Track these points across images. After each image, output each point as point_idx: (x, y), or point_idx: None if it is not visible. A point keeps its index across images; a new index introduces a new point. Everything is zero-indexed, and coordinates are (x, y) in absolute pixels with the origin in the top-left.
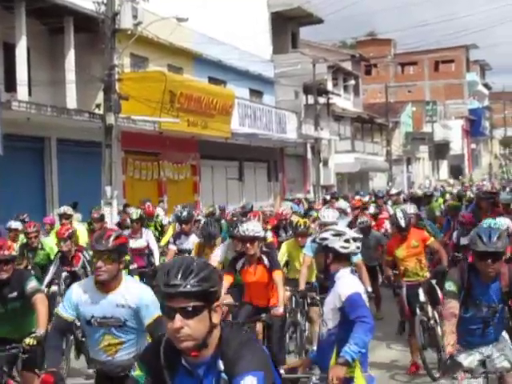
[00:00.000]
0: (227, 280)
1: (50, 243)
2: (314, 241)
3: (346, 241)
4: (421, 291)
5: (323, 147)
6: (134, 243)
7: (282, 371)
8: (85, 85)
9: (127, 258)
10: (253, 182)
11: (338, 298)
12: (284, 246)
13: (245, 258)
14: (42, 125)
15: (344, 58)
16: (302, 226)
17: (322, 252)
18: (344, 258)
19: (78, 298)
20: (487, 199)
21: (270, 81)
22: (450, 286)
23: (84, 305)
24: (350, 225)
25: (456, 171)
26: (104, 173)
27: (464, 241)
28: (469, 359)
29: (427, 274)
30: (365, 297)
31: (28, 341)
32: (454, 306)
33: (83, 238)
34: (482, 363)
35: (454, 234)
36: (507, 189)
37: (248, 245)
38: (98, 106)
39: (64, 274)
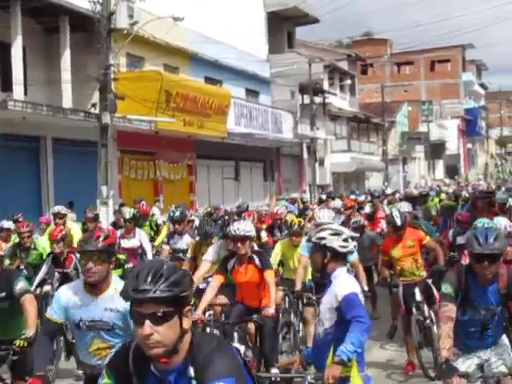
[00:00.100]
0: (218, 280)
1: (42, 243)
2: (309, 240)
3: (345, 240)
4: (417, 290)
5: (319, 147)
6: (127, 243)
7: (276, 370)
8: (80, 84)
9: (122, 257)
10: (249, 182)
11: (334, 297)
12: (278, 246)
13: (236, 257)
14: (38, 124)
15: (340, 58)
16: (296, 226)
17: (319, 251)
18: (341, 258)
19: (66, 301)
20: (483, 199)
21: (266, 80)
22: (446, 288)
23: (73, 308)
24: (343, 224)
25: (452, 171)
26: (100, 172)
27: (460, 240)
28: (466, 363)
29: (423, 274)
30: (361, 296)
31: (18, 342)
32: (450, 309)
33: (77, 237)
34: (480, 367)
35: (450, 233)
36: (502, 188)
37: (239, 244)
38: (93, 105)
39: (56, 276)
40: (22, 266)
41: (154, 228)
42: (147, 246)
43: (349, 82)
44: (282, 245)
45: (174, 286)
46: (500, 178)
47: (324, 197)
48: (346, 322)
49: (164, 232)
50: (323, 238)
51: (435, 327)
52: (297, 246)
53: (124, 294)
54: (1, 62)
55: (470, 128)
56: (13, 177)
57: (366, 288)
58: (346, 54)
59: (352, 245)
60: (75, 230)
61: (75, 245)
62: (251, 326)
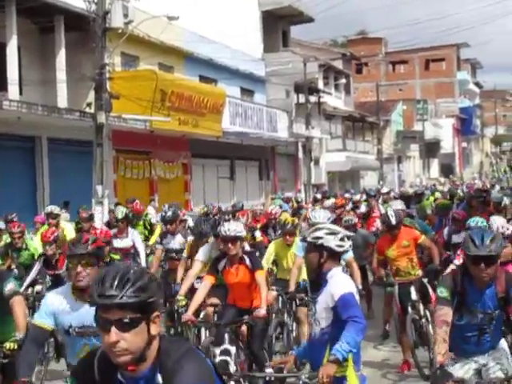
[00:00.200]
0: (209, 281)
1: (34, 244)
2: (304, 240)
3: (342, 239)
4: (413, 290)
5: (314, 146)
6: (119, 243)
7: (270, 370)
8: (76, 84)
9: (117, 257)
10: (244, 181)
11: (330, 297)
12: (272, 246)
13: (227, 258)
14: (33, 124)
15: (335, 57)
16: (290, 225)
17: (315, 251)
18: (337, 257)
19: (54, 307)
20: (478, 198)
21: (261, 79)
22: (441, 291)
23: (62, 314)
24: (334, 223)
25: (447, 170)
26: (95, 172)
27: (456, 239)
28: (464, 368)
29: (419, 273)
30: (357, 296)
31: (8, 345)
32: (446, 312)
33: (71, 237)
34: (478, 372)
35: (445, 231)
36: (496, 187)
37: (229, 245)
38: (88, 104)
39: (47, 278)
40: (13, 266)
41: (148, 227)
42: (140, 246)
43: (344, 81)
44: (275, 244)
45: (141, 292)
46: (495, 177)
47: (319, 196)
48: (343, 322)
49: (158, 231)
50: (320, 238)
51: (430, 326)
52: (290, 245)
53: (89, 300)
54: None
55: (464, 127)
56: (8, 177)
57: (360, 286)
58: (340, 53)
59: (348, 244)
60: (68, 230)
61: None
62: (243, 328)
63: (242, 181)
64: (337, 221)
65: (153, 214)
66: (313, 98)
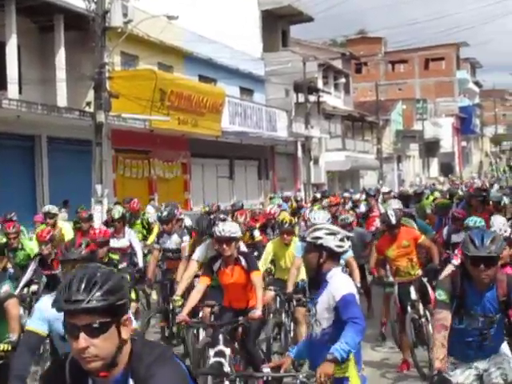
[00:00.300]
0: (204, 281)
1: (30, 244)
2: (303, 239)
3: (341, 240)
4: (412, 289)
5: (314, 145)
6: (116, 243)
7: (268, 369)
8: (75, 83)
9: (116, 257)
10: (243, 180)
11: (332, 297)
12: (269, 245)
13: (222, 258)
14: (33, 123)
15: (334, 57)
16: (288, 224)
17: (314, 251)
18: (337, 257)
19: (48, 313)
20: (477, 197)
21: (261, 79)
22: (440, 294)
23: (56, 321)
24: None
25: (446, 169)
26: (94, 171)
27: (455, 238)
28: (465, 374)
29: (419, 272)
30: (358, 297)
31: (2, 346)
32: (444, 316)
33: (69, 236)
34: (479, 378)
35: (444, 231)
36: (495, 186)
37: (224, 246)
38: (88, 104)
39: (43, 278)
40: (9, 266)
41: (146, 226)
42: (137, 246)
43: (343, 80)
44: (273, 244)
45: (109, 295)
46: (494, 177)
47: (318, 195)
48: (343, 322)
49: (156, 231)
50: (319, 238)
51: (430, 326)
52: (288, 244)
53: (56, 306)
54: None
55: (464, 126)
56: (7, 175)
57: (358, 285)
58: (340, 53)
59: (347, 244)
60: (66, 230)
61: None
62: (239, 329)
63: (241, 180)
64: (332, 219)
65: (152, 213)
66: (312, 98)
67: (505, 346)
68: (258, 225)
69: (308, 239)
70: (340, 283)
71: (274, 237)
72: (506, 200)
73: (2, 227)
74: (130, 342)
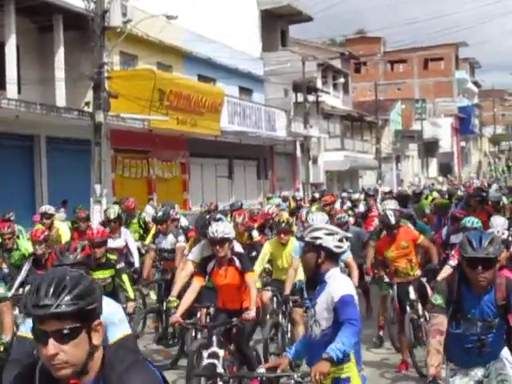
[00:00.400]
0: (198, 282)
1: (25, 244)
2: (301, 239)
3: (340, 240)
4: (411, 289)
5: (313, 145)
6: (112, 243)
7: (262, 370)
8: (74, 83)
9: (114, 257)
10: (242, 180)
11: (330, 297)
12: (267, 245)
13: (215, 259)
14: (32, 123)
15: (333, 56)
16: (285, 223)
17: (313, 251)
18: (335, 258)
19: None
20: (476, 197)
21: (260, 79)
22: (436, 299)
23: None
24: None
25: (445, 169)
26: (93, 171)
27: (454, 239)
28: (464, 380)
29: (418, 273)
30: (356, 298)
31: None
32: (440, 321)
33: (65, 236)
34: None
35: (443, 231)
36: (494, 186)
37: (217, 247)
38: (87, 103)
39: None
40: (4, 266)
41: (143, 226)
42: (133, 247)
43: (342, 80)
44: (270, 244)
45: (79, 299)
46: (493, 177)
47: (317, 195)
48: (341, 323)
49: (153, 231)
50: (318, 238)
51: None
52: (285, 244)
53: (24, 311)
54: None
55: (463, 126)
56: (6, 175)
57: (356, 284)
58: (339, 53)
59: (346, 245)
60: (63, 230)
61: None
62: (233, 330)
63: (240, 180)
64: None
65: (150, 213)
66: (311, 97)
67: (505, 352)
68: (256, 225)
69: (307, 239)
70: (339, 284)
71: (272, 237)
72: (504, 200)
73: None
74: (102, 348)
